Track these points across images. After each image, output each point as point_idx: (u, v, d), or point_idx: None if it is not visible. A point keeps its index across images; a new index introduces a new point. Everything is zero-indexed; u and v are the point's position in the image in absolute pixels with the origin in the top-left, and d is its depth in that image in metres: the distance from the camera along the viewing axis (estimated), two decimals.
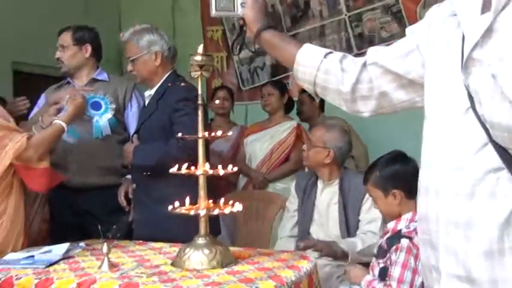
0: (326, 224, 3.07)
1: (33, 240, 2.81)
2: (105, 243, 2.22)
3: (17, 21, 5.07)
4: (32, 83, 5.22)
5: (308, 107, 4.59)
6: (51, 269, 2.23)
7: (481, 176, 1.27)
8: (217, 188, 3.34)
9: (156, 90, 3.02)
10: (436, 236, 1.38)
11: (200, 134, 2.27)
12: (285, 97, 4.53)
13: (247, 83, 6.01)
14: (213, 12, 1.88)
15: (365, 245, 2.81)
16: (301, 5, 5.82)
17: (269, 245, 3.43)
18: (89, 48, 3.34)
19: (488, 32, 1.25)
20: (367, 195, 2.84)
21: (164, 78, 3.02)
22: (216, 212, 2.24)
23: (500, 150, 1.26)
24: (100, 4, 6.28)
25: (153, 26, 3.05)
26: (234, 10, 1.85)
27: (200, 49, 2.23)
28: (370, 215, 2.96)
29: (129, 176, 3.18)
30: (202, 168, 2.25)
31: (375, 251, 2.47)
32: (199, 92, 2.29)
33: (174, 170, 2.26)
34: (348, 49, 5.44)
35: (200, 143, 2.27)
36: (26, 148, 2.51)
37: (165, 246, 2.62)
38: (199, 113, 2.28)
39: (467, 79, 1.28)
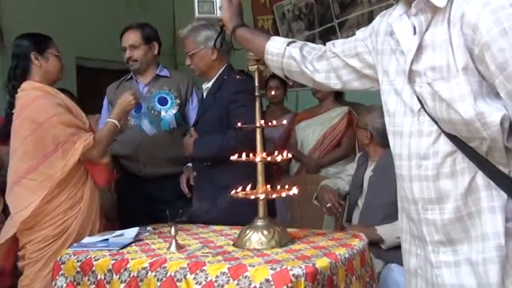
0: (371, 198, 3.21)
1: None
2: (173, 227, 2.41)
3: (79, 19, 5.32)
4: (93, 76, 5.51)
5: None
6: (124, 250, 2.43)
7: (441, 160, 1.57)
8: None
9: (213, 83, 3.18)
10: (416, 213, 1.66)
11: (258, 124, 2.44)
12: None
13: None
14: (196, 14, 2.21)
15: None
16: None
17: (322, 227, 3.57)
18: (156, 45, 3.54)
19: (419, 49, 1.54)
20: None
21: (220, 71, 3.18)
22: (274, 196, 2.40)
23: (451, 137, 1.55)
24: None
25: (210, 22, 3.21)
26: (214, 13, 2.19)
27: None
28: None
29: (189, 165, 3.38)
30: (261, 156, 2.41)
31: None
32: (256, 84, 2.45)
33: (234, 157, 2.42)
34: None
35: (258, 132, 2.44)
36: (93, 146, 2.73)
37: (225, 229, 2.79)
38: (257, 103, 2.44)
39: (413, 87, 1.57)
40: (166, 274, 2.16)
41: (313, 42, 5.70)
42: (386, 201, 2.90)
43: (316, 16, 6.12)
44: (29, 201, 2.66)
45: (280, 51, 2.04)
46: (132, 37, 3.47)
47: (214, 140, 3.04)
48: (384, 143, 3.18)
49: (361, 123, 3.32)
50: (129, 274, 2.24)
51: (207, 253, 2.29)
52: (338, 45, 1.95)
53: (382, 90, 1.76)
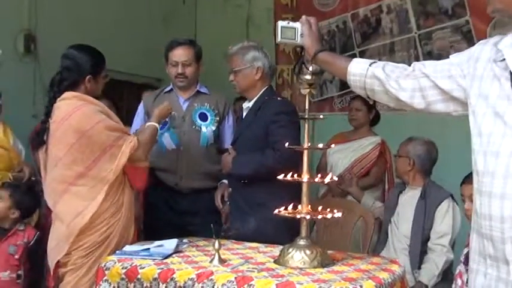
0: (399, 222, 3.46)
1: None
2: (217, 240, 2.45)
3: (104, 32, 5.39)
4: (115, 88, 5.56)
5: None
6: (168, 261, 2.48)
7: None
8: None
9: (254, 102, 3.24)
10: (501, 231, 1.65)
11: (305, 145, 2.50)
12: (372, 112, 4.54)
13: (316, 95, 6.16)
14: (279, 39, 2.29)
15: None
16: (372, 22, 5.98)
17: (349, 251, 3.60)
18: (202, 64, 3.59)
19: None
20: (440, 206, 3.29)
21: (261, 92, 3.24)
22: (319, 217, 2.46)
23: None
24: (178, 15, 6.58)
25: (259, 45, 3.29)
26: (295, 39, 2.27)
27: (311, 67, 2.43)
28: (442, 227, 3.30)
29: (224, 181, 3.45)
30: (307, 176, 2.47)
31: (462, 259, 2.66)
32: (307, 107, 2.52)
33: (281, 177, 2.48)
34: None
35: (305, 153, 2.50)
36: (138, 147, 2.77)
37: (260, 246, 2.83)
38: (306, 126, 2.50)
39: None
40: (213, 286, 2.21)
41: None
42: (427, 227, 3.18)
43: (338, 43, 6.20)
44: (81, 207, 2.67)
45: (363, 71, 2.07)
46: (186, 53, 3.49)
47: (253, 159, 3.10)
48: (424, 170, 3.46)
49: (402, 152, 3.51)
50: (176, 284, 2.29)
51: (251, 269, 2.34)
52: (429, 65, 1.97)
53: (476, 113, 1.78)
